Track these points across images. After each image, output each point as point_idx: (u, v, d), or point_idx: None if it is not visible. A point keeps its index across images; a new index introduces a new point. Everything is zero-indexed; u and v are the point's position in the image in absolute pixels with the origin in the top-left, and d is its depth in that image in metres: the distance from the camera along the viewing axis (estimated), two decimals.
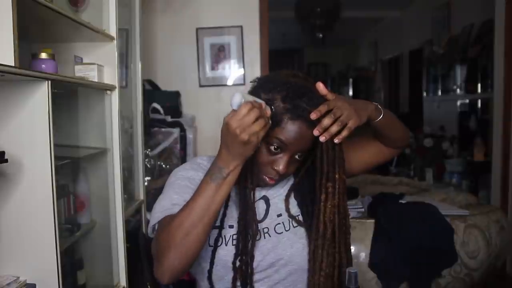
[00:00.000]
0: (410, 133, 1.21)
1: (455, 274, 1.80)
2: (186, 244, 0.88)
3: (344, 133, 0.95)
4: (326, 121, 0.93)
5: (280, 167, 0.98)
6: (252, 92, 1.02)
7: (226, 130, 0.84)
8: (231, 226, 1.03)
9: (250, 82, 1.07)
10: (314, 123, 0.94)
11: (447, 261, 1.78)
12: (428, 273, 1.77)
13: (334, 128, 0.94)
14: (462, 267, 1.80)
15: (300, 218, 1.07)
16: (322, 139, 0.94)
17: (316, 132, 0.94)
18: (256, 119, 0.82)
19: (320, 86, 0.99)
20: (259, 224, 1.04)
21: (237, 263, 1.00)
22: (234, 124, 0.82)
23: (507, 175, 2.87)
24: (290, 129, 0.95)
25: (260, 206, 1.07)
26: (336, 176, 0.99)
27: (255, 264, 1.00)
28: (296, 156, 1.00)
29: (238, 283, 1.01)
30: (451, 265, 1.78)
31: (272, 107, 0.93)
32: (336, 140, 0.96)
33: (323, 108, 0.94)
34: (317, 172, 1.00)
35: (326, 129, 0.94)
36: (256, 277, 1.02)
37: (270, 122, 0.88)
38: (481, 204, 2.26)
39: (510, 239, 1.96)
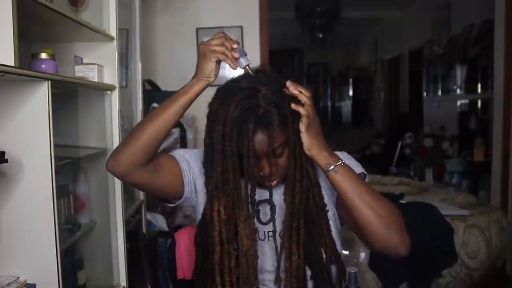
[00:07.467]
0: (405, 236, 0.90)
1: (455, 274, 1.80)
2: (134, 135, 0.95)
3: (301, 110, 0.92)
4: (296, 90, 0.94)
5: (265, 172, 0.98)
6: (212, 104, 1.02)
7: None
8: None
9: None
10: (265, 121, 0.93)
11: (447, 261, 1.78)
12: (428, 273, 1.77)
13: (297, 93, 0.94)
14: (462, 267, 1.80)
15: None
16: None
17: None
18: (221, 45, 0.96)
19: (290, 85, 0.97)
20: (264, 226, 1.05)
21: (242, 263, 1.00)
22: (201, 45, 0.99)
23: (507, 175, 2.87)
24: (247, 137, 0.93)
25: (266, 209, 1.07)
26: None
27: (258, 266, 0.99)
28: (277, 152, 0.97)
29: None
30: (451, 265, 1.78)
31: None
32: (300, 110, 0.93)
33: (300, 88, 0.94)
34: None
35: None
36: (261, 277, 1.02)
37: (234, 54, 0.96)
38: (481, 204, 2.26)
39: (510, 239, 1.96)
